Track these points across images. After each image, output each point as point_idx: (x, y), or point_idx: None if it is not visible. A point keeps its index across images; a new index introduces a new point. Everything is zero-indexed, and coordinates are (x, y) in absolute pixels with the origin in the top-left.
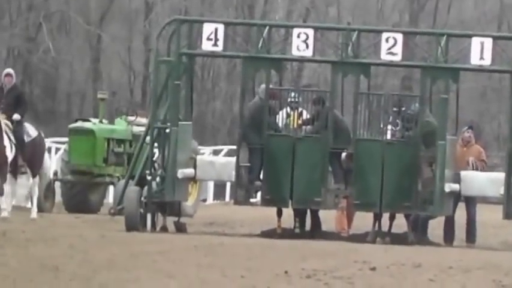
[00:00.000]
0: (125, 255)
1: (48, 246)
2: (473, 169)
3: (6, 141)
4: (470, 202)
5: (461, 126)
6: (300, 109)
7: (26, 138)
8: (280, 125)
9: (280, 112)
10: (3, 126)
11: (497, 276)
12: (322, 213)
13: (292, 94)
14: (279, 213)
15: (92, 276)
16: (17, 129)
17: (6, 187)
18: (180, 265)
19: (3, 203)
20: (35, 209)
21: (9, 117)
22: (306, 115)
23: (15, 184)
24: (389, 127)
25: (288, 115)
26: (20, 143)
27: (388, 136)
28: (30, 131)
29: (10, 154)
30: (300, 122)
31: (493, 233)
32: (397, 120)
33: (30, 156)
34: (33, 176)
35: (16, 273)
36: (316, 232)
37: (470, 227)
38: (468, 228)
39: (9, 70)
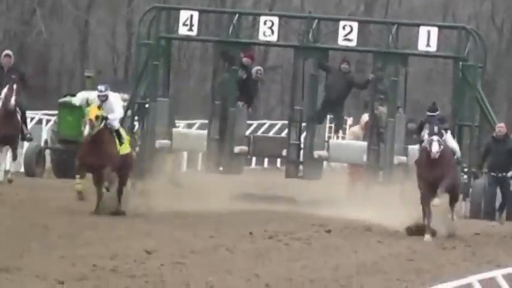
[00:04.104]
0: (107, 216)
1: (39, 207)
2: None
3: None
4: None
5: (409, 105)
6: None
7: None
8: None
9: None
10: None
11: (440, 239)
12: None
13: (99, 87)
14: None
15: (78, 234)
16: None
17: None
18: (157, 226)
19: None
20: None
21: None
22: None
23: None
24: (435, 138)
25: (88, 104)
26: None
27: (436, 147)
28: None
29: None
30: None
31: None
32: (442, 130)
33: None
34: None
35: (9, 230)
36: None
37: None
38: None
39: (8, 51)
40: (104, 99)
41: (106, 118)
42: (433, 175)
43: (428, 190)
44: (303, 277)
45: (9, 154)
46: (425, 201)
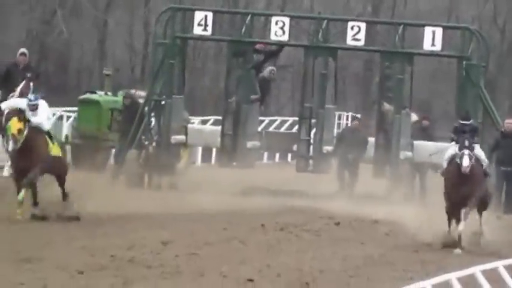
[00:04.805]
0: (124, 209)
1: (60, 200)
2: None
3: None
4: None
5: (414, 102)
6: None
7: None
8: None
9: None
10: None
11: (444, 227)
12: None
13: (30, 96)
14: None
15: (97, 226)
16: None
17: None
18: (172, 218)
19: None
20: None
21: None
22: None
23: None
24: (466, 152)
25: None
26: None
27: (467, 162)
28: None
29: None
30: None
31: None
32: (473, 144)
33: None
34: None
35: (32, 223)
36: None
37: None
38: None
39: (24, 50)
40: (34, 108)
41: (28, 121)
42: (460, 194)
43: (455, 209)
44: (312, 267)
45: None
46: (451, 218)
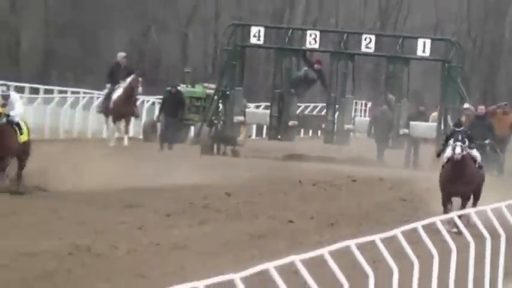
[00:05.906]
0: (197, 168)
1: (153, 162)
2: None
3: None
4: None
5: (410, 94)
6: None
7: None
8: None
9: None
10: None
11: (432, 185)
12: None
13: (1, 88)
14: None
15: (181, 180)
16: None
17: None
18: (235, 175)
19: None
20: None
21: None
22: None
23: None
24: (458, 143)
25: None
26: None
27: (458, 150)
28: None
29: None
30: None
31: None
32: (465, 139)
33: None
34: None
35: (134, 177)
36: None
37: None
38: None
39: (125, 54)
40: (6, 98)
41: (8, 115)
42: (455, 189)
43: (449, 199)
44: (336, 212)
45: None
46: (446, 207)
